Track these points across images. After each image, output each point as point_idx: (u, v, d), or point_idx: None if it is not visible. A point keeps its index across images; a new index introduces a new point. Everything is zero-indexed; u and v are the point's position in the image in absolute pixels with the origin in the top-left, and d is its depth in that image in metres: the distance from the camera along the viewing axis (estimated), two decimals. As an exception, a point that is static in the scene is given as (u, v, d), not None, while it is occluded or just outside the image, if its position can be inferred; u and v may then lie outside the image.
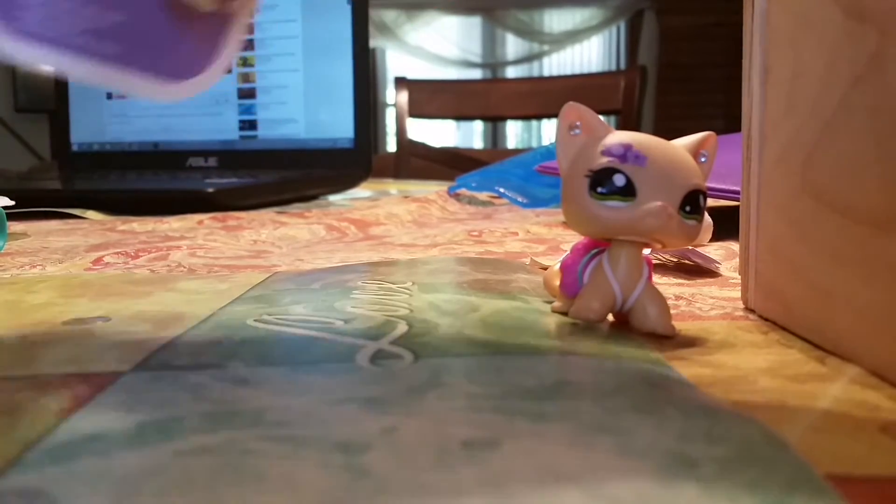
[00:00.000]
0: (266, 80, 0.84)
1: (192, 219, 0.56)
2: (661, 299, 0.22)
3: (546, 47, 4.12)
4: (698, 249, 0.35)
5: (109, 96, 0.89)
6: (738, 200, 0.26)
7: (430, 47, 4.11)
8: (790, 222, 0.22)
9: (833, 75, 0.19)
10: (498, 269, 0.31)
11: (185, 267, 0.35)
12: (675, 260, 0.34)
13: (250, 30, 0.84)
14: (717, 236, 0.38)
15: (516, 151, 1.24)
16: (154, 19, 0.17)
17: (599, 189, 0.20)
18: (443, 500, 0.11)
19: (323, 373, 0.17)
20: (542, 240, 0.45)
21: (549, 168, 0.59)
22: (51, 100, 0.81)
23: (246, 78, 0.85)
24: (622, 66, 3.97)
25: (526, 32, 4.11)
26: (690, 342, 0.21)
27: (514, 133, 4.40)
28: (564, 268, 0.23)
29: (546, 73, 4.11)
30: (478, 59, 4.19)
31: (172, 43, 0.18)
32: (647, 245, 0.22)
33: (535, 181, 0.69)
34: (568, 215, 0.22)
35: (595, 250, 0.23)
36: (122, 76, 0.16)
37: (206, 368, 0.18)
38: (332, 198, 0.78)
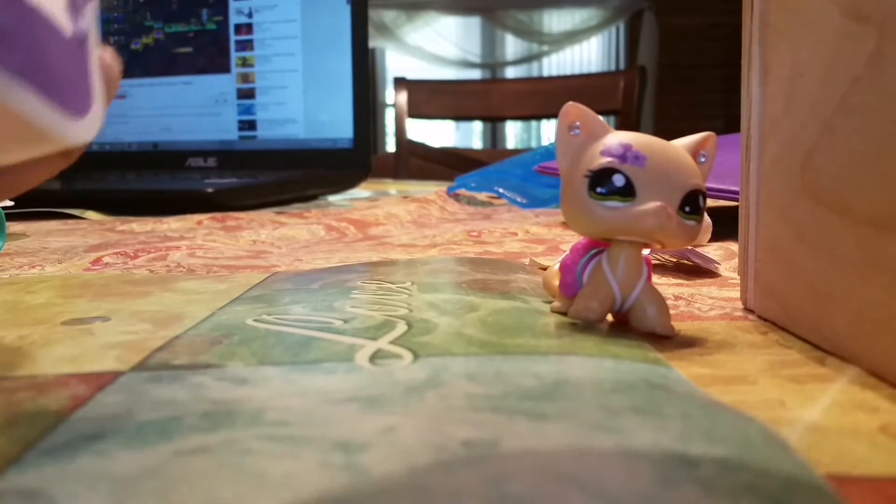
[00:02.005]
0: (265, 81, 0.84)
1: (192, 219, 0.56)
2: (660, 299, 0.22)
3: (545, 48, 4.12)
4: (698, 250, 0.35)
5: (109, 96, 0.89)
6: (738, 201, 0.26)
7: (430, 47, 4.11)
8: (789, 223, 0.22)
9: (832, 75, 0.19)
10: (497, 270, 0.31)
11: (184, 267, 0.35)
12: (675, 260, 0.34)
13: (249, 30, 0.85)
14: (717, 236, 0.38)
15: (516, 152, 1.24)
16: (48, 38, 0.14)
17: (599, 189, 0.20)
18: (443, 500, 0.11)
19: (322, 372, 0.17)
20: (541, 240, 0.45)
21: (549, 168, 0.59)
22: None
23: (245, 78, 0.85)
24: (621, 66, 3.97)
25: (525, 33, 4.11)
26: (690, 342, 0.21)
27: (514, 133, 4.40)
28: (564, 268, 0.23)
29: (545, 73, 4.11)
30: (477, 60, 4.19)
31: (62, 68, 0.15)
32: (646, 245, 0.22)
33: (534, 181, 0.70)
34: (567, 215, 0.22)
35: (594, 250, 0.23)
36: (24, 94, 0.13)
37: (205, 368, 0.18)
38: (332, 198, 0.78)
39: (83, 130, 0.16)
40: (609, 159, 0.20)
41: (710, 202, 0.36)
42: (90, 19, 0.16)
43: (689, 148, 0.22)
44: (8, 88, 0.13)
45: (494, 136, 4.23)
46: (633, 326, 0.22)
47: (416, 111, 1.40)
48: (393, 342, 0.20)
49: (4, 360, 0.19)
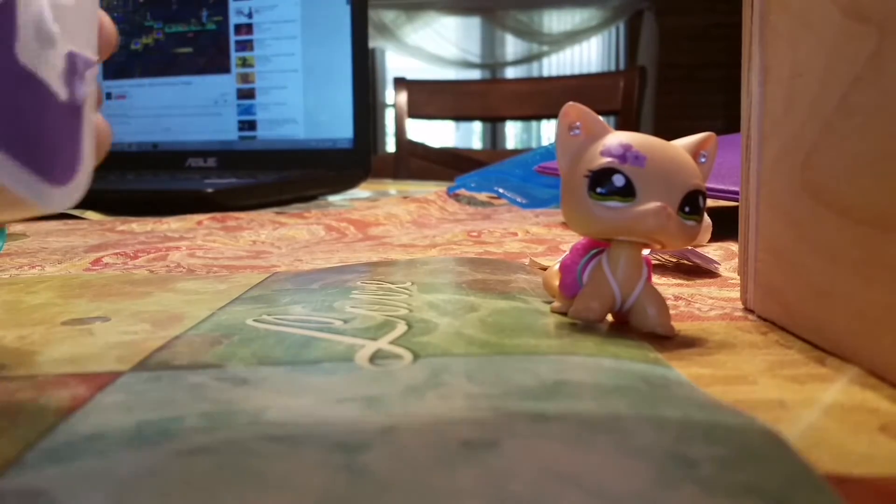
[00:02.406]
0: (265, 81, 0.84)
1: (192, 219, 0.56)
2: (660, 299, 0.22)
3: (545, 48, 4.12)
4: (697, 250, 0.35)
5: (108, 96, 0.89)
6: (738, 201, 0.26)
7: (430, 47, 4.11)
8: (789, 222, 0.22)
9: (832, 75, 0.19)
10: (497, 270, 0.31)
11: (184, 267, 0.35)
12: (675, 260, 0.34)
13: (249, 30, 0.85)
14: (717, 236, 0.38)
15: (516, 152, 1.24)
16: (25, 100, 0.14)
17: (599, 189, 0.20)
18: (443, 500, 0.11)
19: (322, 373, 0.17)
20: (541, 240, 0.45)
21: (549, 168, 0.59)
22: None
23: (245, 78, 0.85)
24: (621, 66, 3.97)
25: (525, 33, 4.11)
26: (690, 342, 0.21)
27: (514, 133, 4.40)
28: (564, 268, 0.23)
29: (545, 73, 4.11)
30: (477, 60, 4.19)
31: (51, 135, 0.14)
32: (646, 245, 0.22)
33: (534, 181, 0.70)
34: (567, 215, 0.22)
35: (594, 250, 0.23)
36: (2, 164, 0.13)
37: (205, 368, 0.18)
38: (332, 198, 0.78)
39: (63, 198, 0.15)
40: (609, 159, 0.20)
41: (710, 202, 0.36)
42: (90, 84, 0.16)
43: (689, 148, 0.22)
44: None
45: (494, 137, 4.23)
46: (633, 326, 0.22)
47: (416, 111, 1.40)
48: (393, 342, 0.20)
49: (4, 360, 0.19)
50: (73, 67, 0.15)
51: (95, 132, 0.16)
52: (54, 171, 0.14)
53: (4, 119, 0.13)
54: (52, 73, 0.14)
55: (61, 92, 0.15)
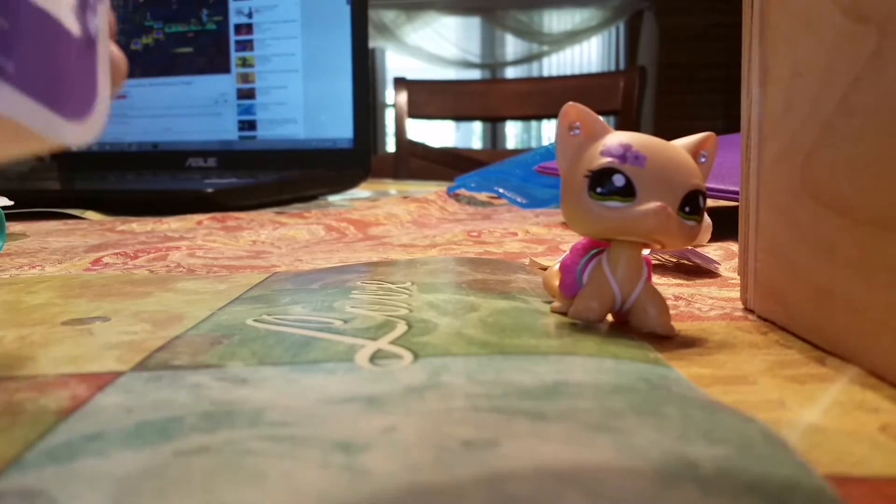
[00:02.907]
0: (265, 81, 0.84)
1: (192, 219, 0.56)
2: (660, 299, 0.22)
3: (545, 48, 4.12)
4: (698, 250, 0.35)
5: (109, 96, 0.89)
6: (738, 201, 0.26)
7: (430, 47, 4.11)
8: (789, 222, 0.22)
9: (832, 75, 0.19)
10: (497, 270, 0.31)
11: (184, 267, 0.35)
12: (675, 260, 0.34)
13: (249, 30, 0.85)
14: (717, 236, 0.38)
15: (516, 152, 1.24)
16: (43, 39, 0.14)
17: (599, 189, 0.20)
18: (443, 500, 0.11)
19: (322, 372, 0.17)
20: (541, 240, 0.45)
21: (549, 168, 0.59)
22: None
23: (245, 78, 0.85)
24: (621, 66, 3.97)
25: (525, 33, 4.11)
26: (690, 342, 0.21)
27: (514, 133, 4.40)
28: (564, 268, 0.23)
29: (545, 73, 4.11)
30: (477, 60, 4.19)
31: (65, 71, 0.14)
32: (646, 245, 0.22)
33: (534, 181, 0.69)
34: (567, 215, 0.22)
35: (594, 250, 0.23)
36: (18, 100, 0.13)
37: (205, 368, 0.18)
38: (332, 198, 0.78)
39: (83, 132, 0.15)
40: (609, 159, 0.20)
41: (710, 202, 0.36)
42: (102, 18, 0.16)
43: (689, 148, 0.22)
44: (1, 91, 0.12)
45: (494, 137, 4.23)
46: (633, 326, 0.22)
47: (416, 111, 1.40)
48: (393, 342, 0.20)
49: (4, 360, 0.19)
50: (85, 1, 0.15)
51: (110, 64, 0.16)
52: (70, 106, 0.14)
53: (16, 54, 0.13)
54: (63, 8, 0.14)
55: (74, 27, 0.15)
